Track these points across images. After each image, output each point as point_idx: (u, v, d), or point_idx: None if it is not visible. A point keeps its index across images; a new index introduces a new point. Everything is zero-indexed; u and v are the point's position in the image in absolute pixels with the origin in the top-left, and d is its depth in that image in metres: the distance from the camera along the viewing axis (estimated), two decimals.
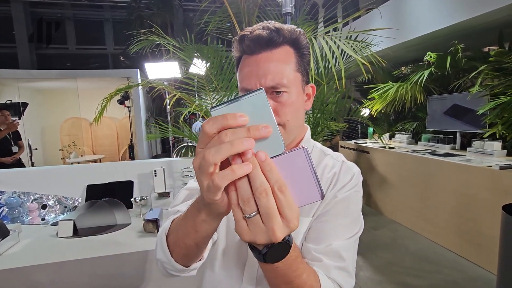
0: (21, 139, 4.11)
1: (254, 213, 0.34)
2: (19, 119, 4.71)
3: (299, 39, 0.59)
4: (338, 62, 1.36)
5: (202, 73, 1.98)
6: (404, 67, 5.13)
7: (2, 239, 1.30)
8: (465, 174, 2.70)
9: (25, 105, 5.01)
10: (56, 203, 1.80)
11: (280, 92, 0.56)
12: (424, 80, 3.57)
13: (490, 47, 4.26)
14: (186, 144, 2.67)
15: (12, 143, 3.93)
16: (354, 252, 0.62)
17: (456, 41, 3.13)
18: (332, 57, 1.18)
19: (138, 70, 5.57)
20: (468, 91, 3.21)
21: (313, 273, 0.53)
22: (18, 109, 4.95)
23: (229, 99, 0.35)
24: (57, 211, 1.78)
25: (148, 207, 1.79)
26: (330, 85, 1.70)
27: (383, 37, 1.56)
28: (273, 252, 0.39)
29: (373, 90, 4.33)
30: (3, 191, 1.76)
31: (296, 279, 0.46)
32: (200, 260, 0.57)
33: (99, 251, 1.29)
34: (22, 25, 8.17)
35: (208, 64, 1.72)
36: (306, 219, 0.61)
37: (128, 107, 5.76)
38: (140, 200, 1.71)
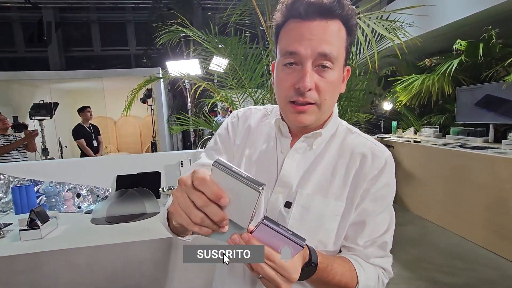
0: (100, 135, 4.64)
1: (261, 276, 0.44)
2: (51, 118, 4.94)
3: (352, 17, 0.55)
4: (370, 45, 1.31)
5: (224, 67, 2.00)
6: (428, 59, 4.91)
7: (43, 223, 1.37)
8: (500, 167, 2.54)
9: (56, 105, 5.25)
10: (89, 193, 1.88)
11: (326, 67, 0.53)
12: (453, 70, 3.39)
13: None
14: (210, 136, 2.70)
15: (93, 137, 4.43)
16: (391, 236, 0.65)
17: (490, 27, 2.95)
18: (365, 40, 1.14)
19: (160, 68, 5.73)
20: (503, 80, 3.02)
21: (349, 270, 0.57)
22: (50, 108, 5.20)
23: (236, 170, 0.38)
24: (90, 200, 1.86)
25: None
26: (357, 72, 1.65)
27: (414, 15, 1.47)
28: (301, 276, 0.48)
29: (397, 83, 4.17)
30: (41, 181, 1.86)
31: (331, 281, 0.54)
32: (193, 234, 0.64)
33: (131, 237, 1.33)
34: (53, 30, 8.61)
35: (232, 55, 1.73)
36: (336, 202, 0.60)
37: (151, 105, 5.92)
38: (168, 190, 1.75)
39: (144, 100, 5.87)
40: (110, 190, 1.92)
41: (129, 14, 8.81)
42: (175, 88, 6.29)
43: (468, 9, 3.16)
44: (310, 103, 0.55)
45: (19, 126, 3.37)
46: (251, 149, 0.67)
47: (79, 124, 4.54)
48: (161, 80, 5.89)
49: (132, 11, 8.77)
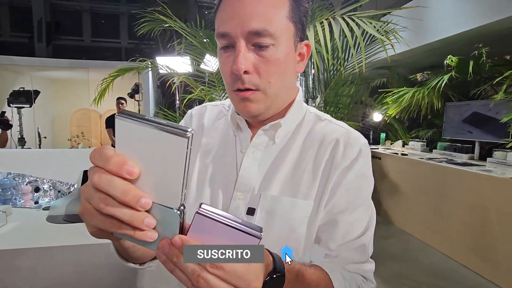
0: None
1: None
2: (30, 106, 4.72)
3: None
4: (359, 48, 1.23)
5: (215, 66, 1.89)
6: (420, 74, 4.94)
7: None
8: (484, 185, 2.52)
9: (36, 93, 5.03)
10: (51, 188, 1.73)
11: (263, 46, 0.45)
12: (443, 85, 3.39)
13: None
14: None
15: None
16: (371, 237, 0.55)
17: (481, 45, 2.96)
18: (354, 45, 1.06)
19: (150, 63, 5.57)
20: (491, 99, 3.03)
21: (324, 279, 0.46)
22: (30, 96, 4.98)
23: (149, 118, 0.27)
24: (51, 196, 1.71)
25: None
26: (345, 76, 1.58)
27: (407, 30, 1.42)
28: None
29: (387, 94, 4.16)
30: None
31: None
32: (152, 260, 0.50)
33: (88, 239, 1.20)
34: (41, 17, 8.35)
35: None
36: (306, 202, 0.51)
37: (138, 101, 5.75)
38: None
39: (131, 95, 5.71)
40: (75, 186, 1.77)
41: (123, 6, 8.64)
42: (163, 84, 6.15)
43: (460, 26, 3.18)
44: (251, 89, 0.47)
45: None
46: (204, 152, 0.58)
47: (114, 113, 4.46)
48: (150, 76, 5.74)
49: (126, 3, 8.61)
